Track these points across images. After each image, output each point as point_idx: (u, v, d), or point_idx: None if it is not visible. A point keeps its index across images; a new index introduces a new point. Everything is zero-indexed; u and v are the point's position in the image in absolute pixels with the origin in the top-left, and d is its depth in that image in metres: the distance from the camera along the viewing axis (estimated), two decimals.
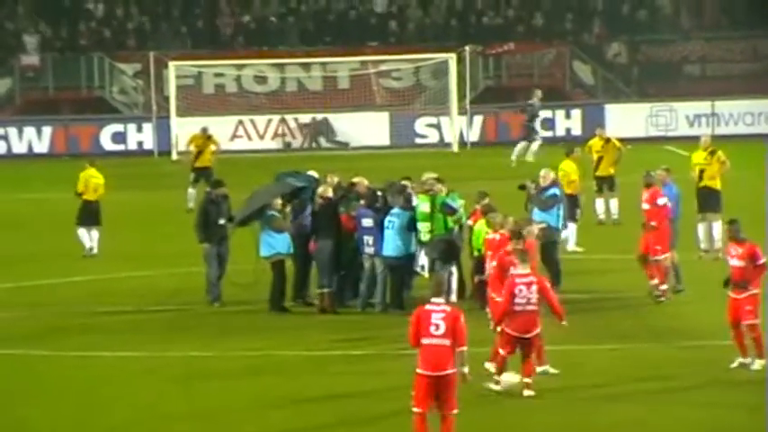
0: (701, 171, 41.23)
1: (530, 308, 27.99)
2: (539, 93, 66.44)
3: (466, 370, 24.08)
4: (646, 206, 37.40)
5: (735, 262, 30.94)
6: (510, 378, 27.93)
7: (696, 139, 63.93)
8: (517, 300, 28.11)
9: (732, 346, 31.52)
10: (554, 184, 37.66)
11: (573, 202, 42.24)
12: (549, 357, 29.32)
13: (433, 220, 35.90)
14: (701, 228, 41.37)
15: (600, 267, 40.35)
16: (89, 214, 44.00)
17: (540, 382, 28.11)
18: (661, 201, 37.24)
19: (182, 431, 27.73)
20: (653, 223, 36.95)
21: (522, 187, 38.12)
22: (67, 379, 30.19)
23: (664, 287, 36.54)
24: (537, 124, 65.73)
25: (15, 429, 26.26)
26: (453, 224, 36.07)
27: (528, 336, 27.93)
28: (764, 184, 35.38)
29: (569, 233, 42.18)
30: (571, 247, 42.15)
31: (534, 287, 28.17)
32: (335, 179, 37.64)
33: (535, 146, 64.05)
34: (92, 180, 44.42)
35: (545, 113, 69.63)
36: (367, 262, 35.98)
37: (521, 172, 47.95)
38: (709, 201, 40.08)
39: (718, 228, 38.89)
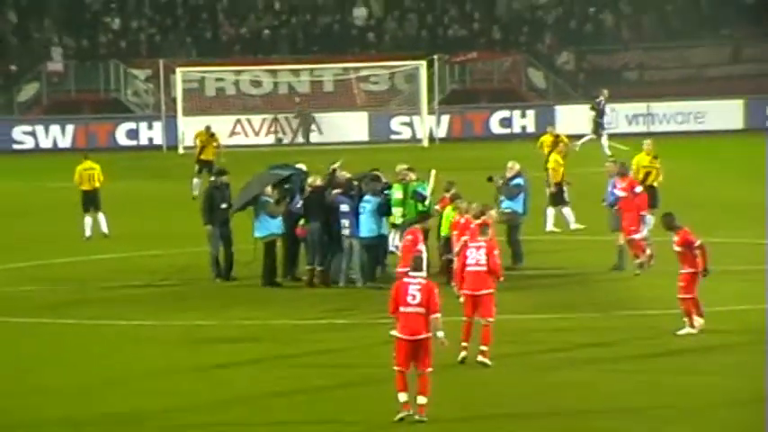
0: (647, 173, 40.98)
1: (479, 268, 27.88)
2: (605, 92, 66.00)
3: (440, 334, 23.96)
4: (622, 193, 37.24)
5: (675, 248, 30.99)
6: None
7: (634, 135, 64.30)
8: (468, 261, 28.17)
9: (665, 315, 31.79)
10: (518, 174, 37.61)
11: (560, 188, 42.28)
12: (508, 326, 29.09)
13: (405, 205, 36.07)
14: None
15: (552, 247, 40.10)
16: (88, 202, 43.81)
17: (498, 346, 28.01)
18: (638, 189, 37.28)
19: (187, 387, 27.54)
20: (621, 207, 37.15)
21: (490, 179, 38.11)
22: (86, 344, 30.11)
23: (642, 259, 36.60)
24: (604, 120, 64.97)
25: (40, 390, 26.02)
26: (423, 209, 35.94)
27: (479, 293, 27.82)
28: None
29: (567, 215, 42.26)
30: (573, 226, 41.73)
31: (483, 250, 28.07)
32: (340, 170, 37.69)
33: (604, 139, 63.66)
34: (85, 172, 44.13)
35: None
36: (345, 242, 35.90)
37: (535, 163, 47.64)
38: (652, 199, 39.95)
39: (651, 220, 38.83)
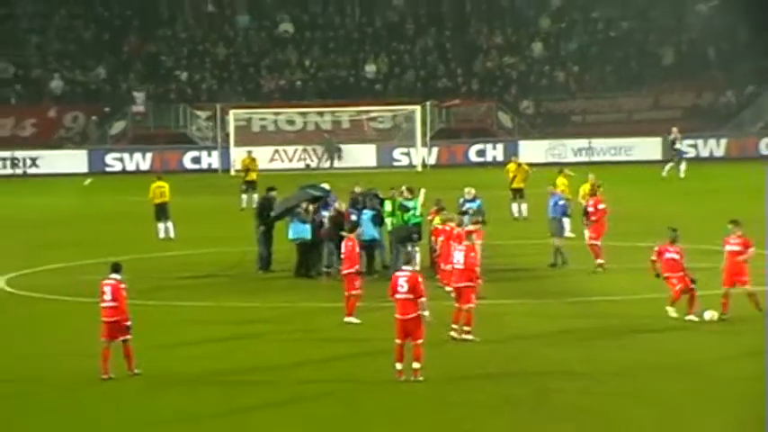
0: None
1: (459, 266, 27.88)
2: (675, 129, 64.59)
3: (426, 314, 24.37)
4: (591, 209, 36.93)
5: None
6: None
7: (579, 164, 64.16)
8: (452, 260, 28.41)
9: (602, 301, 31.53)
10: (475, 197, 37.24)
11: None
12: (482, 310, 29.06)
13: (394, 215, 36.19)
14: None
15: (515, 251, 39.81)
16: (160, 212, 43.87)
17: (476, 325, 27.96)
18: (601, 206, 36.92)
19: (233, 353, 27.82)
20: (593, 218, 36.78)
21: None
22: (160, 320, 30.03)
23: (600, 261, 36.10)
24: (679, 147, 63.87)
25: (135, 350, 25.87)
26: (408, 218, 35.92)
27: (459, 285, 27.77)
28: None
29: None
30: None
31: (463, 253, 28.02)
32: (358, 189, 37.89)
33: (682, 165, 62.82)
34: (158, 189, 44.19)
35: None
36: None
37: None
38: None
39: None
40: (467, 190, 37.70)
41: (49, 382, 25.84)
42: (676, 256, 29.93)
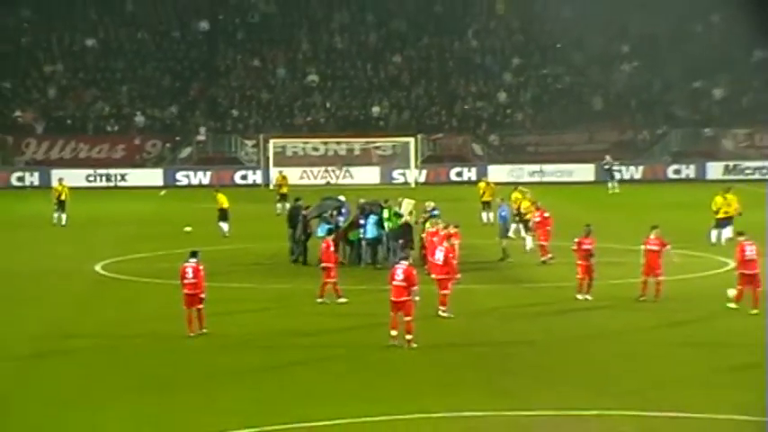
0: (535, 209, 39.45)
1: (438, 262, 27.79)
2: (608, 157, 65.14)
3: (417, 298, 24.56)
4: (538, 218, 36.71)
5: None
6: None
7: (532, 184, 64.00)
8: (435, 257, 28.19)
9: (550, 286, 31.40)
10: (435, 208, 36.74)
11: (526, 220, 39.09)
12: (457, 293, 28.93)
13: (390, 220, 35.90)
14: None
15: (484, 249, 39.05)
16: (222, 215, 43.65)
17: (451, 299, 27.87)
18: (546, 214, 36.67)
19: (272, 323, 27.69)
20: (539, 225, 36.59)
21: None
22: (218, 296, 29.59)
23: (548, 256, 35.86)
24: (612, 170, 64.27)
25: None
26: (399, 222, 35.66)
27: (439, 277, 27.75)
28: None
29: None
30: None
31: (443, 252, 27.92)
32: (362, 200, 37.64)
33: (615, 184, 63.22)
34: (219, 198, 44.05)
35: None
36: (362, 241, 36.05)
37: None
38: (526, 223, 38.86)
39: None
40: (427, 203, 37.35)
41: (134, 339, 26.24)
42: (589, 247, 29.89)
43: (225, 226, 43.62)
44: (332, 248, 30.18)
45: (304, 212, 37.32)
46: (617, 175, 65.25)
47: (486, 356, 24.20)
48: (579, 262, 29.92)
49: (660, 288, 29.66)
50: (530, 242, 38.06)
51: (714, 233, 39.39)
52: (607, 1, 78.94)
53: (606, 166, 64.97)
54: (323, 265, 29.83)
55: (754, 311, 27.44)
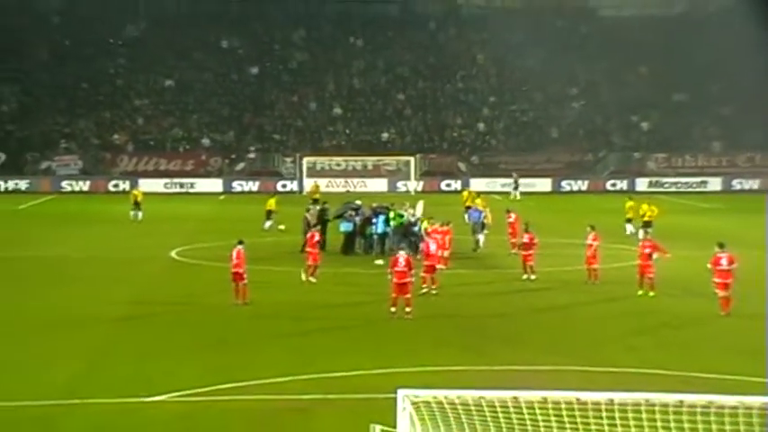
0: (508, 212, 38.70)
1: (431, 252, 27.59)
2: (515, 174, 65.23)
3: (413, 279, 24.63)
4: (510, 219, 36.22)
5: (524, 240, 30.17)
6: None
7: (503, 193, 63.97)
8: (428, 248, 27.91)
9: (515, 272, 31.26)
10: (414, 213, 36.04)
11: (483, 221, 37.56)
12: (444, 276, 28.85)
13: (394, 220, 35.37)
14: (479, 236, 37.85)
15: (466, 243, 38.12)
16: (268, 215, 43.34)
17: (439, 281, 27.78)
18: (512, 218, 36.17)
19: (303, 297, 27.38)
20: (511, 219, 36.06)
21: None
22: (259, 278, 29.44)
23: (514, 250, 34.52)
24: (515, 184, 64.15)
25: (257, 301, 25.61)
26: (403, 222, 35.09)
27: (428, 263, 27.50)
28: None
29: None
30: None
31: (436, 245, 27.97)
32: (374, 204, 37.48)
33: (517, 193, 62.97)
34: (270, 201, 43.87)
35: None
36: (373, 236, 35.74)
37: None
38: (481, 224, 37.84)
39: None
40: (407, 208, 36.61)
41: (199, 308, 26.21)
42: (528, 241, 30.05)
43: (267, 223, 43.46)
44: (316, 239, 29.67)
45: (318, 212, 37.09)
46: (519, 188, 64.46)
47: (465, 325, 24.21)
48: (523, 252, 30.28)
49: (597, 274, 29.71)
50: (482, 239, 37.38)
51: (641, 232, 39.47)
52: (560, 55, 79.08)
53: (513, 181, 64.86)
54: (308, 249, 29.33)
55: (651, 294, 27.28)
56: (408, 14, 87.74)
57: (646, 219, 39.93)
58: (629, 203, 42.37)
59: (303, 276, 29.40)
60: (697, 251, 31.02)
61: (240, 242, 26.42)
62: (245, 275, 25.89)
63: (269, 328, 23.61)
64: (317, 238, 30.20)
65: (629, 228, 41.04)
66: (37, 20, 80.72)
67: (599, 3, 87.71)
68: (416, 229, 34.45)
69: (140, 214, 48.08)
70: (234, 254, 26.04)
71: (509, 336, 22.96)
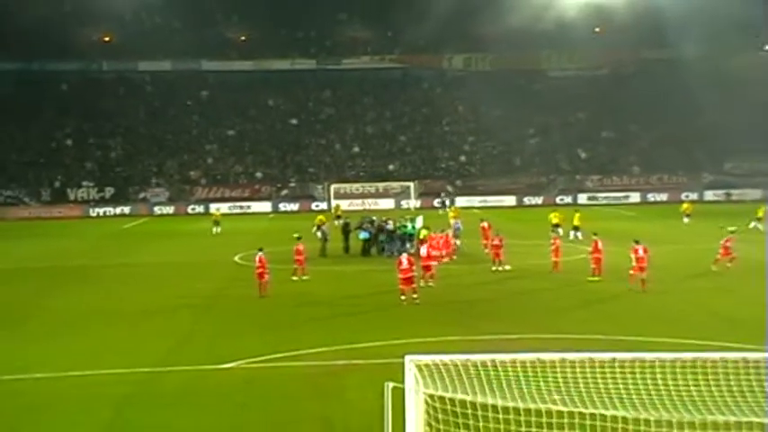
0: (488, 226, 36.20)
1: (425, 253, 27.09)
2: (443, 194, 66.21)
3: (415, 273, 24.21)
4: (484, 225, 35.17)
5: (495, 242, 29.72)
6: None
7: (481, 208, 63.52)
8: (426, 250, 27.44)
9: (489, 266, 30.65)
10: (395, 222, 35.23)
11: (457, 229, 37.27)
12: (440, 271, 28.54)
13: (399, 229, 34.69)
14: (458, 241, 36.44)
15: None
16: (319, 226, 39.86)
17: (435, 275, 27.42)
18: (485, 224, 35.11)
19: (325, 290, 26.89)
20: (484, 224, 35.27)
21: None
22: (284, 276, 29.06)
23: (487, 250, 33.56)
24: (444, 201, 63.76)
25: (299, 292, 25.48)
26: (404, 231, 34.46)
27: (428, 263, 27.06)
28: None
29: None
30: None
31: (426, 247, 27.47)
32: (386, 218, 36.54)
33: (446, 209, 59.84)
34: (318, 219, 41.78)
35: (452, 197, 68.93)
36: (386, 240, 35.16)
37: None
38: (456, 231, 36.38)
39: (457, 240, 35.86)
40: (419, 218, 36.11)
41: (252, 299, 25.59)
42: (498, 243, 29.73)
43: (320, 233, 40.56)
44: (301, 247, 27.76)
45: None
46: (447, 204, 63.21)
47: (457, 308, 23.99)
48: (494, 250, 29.93)
49: (559, 269, 29.66)
50: (458, 242, 36.56)
51: (572, 234, 40.08)
52: (520, 105, 79.31)
53: (442, 198, 64.33)
54: (296, 257, 27.69)
55: (596, 278, 27.00)
56: (408, 78, 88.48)
57: (576, 224, 40.98)
58: (576, 215, 42.29)
59: (294, 277, 28.76)
60: (623, 248, 30.86)
61: (260, 249, 26.27)
62: (265, 275, 25.63)
63: (308, 313, 23.54)
64: (302, 248, 28.20)
65: (578, 234, 40.51)
66: (135, 88, 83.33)
67: (549, 66, 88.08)
68: (412, 235, 34.12)
69: (219, 229, 48.26)
70: (256, 258, 25.86)
71: (488, 313, 22.89)
